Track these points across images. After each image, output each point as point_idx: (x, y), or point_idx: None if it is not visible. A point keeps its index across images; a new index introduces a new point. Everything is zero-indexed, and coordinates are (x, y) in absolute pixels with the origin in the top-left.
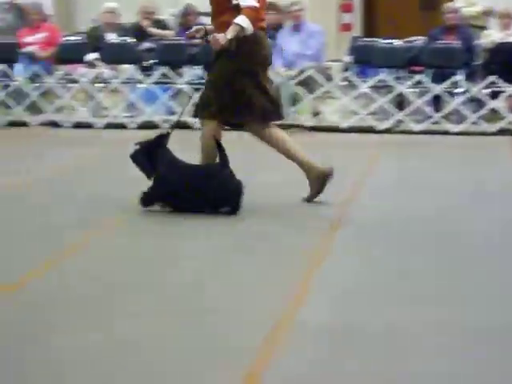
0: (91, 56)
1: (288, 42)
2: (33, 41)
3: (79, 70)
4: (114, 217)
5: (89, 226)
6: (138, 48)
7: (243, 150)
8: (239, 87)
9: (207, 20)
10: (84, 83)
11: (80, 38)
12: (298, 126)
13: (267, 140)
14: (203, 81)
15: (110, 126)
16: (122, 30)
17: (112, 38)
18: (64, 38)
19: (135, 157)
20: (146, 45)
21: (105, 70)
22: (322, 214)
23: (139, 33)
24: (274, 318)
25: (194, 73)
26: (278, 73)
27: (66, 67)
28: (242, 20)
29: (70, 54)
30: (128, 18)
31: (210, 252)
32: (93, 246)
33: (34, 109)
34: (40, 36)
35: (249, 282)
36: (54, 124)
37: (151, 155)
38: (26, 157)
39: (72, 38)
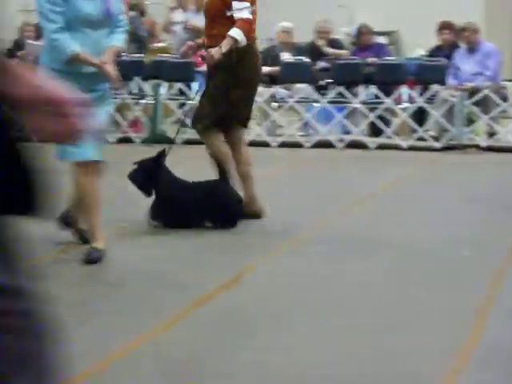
0: (265, 70)
1: (464, 63)
2: None
3: None
4: (287, 240)
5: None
6: (313, 67)
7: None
8: (234, 98)
9: (382, 39)
10: (259, 102)
11: None
12: (473, 146)
13: (240, 147)
14: (379, 100)
15: (284, 144)
16: (297, 49)
17: (287, 57)
18: None
19: (133, 176)
20: (322, 64)
21: (280, 90)
22: (499, 238)
23: (314, 52)
24: (458, 340)
25: (369, 92)
26: (452, 92)
27: None
28: (235, 33)
29: None
30: (301, 37)
31: (378, 271)
32: (270, 265)
33: None
34: None
35: (428, 303)
36: None
37: (150, 174)
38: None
39: None
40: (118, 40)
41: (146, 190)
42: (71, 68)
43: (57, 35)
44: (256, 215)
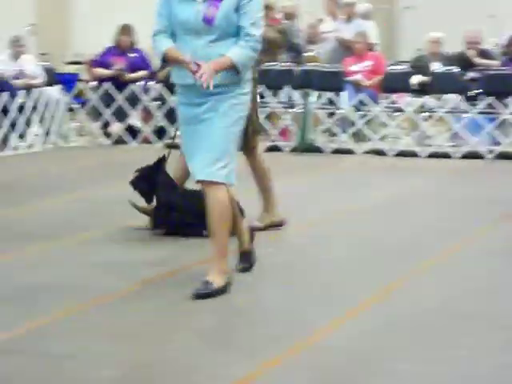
0: (416, 79)
1: None
2: (358, 69)
3: (404, 99)
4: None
5: (428, 253)
6: (463, 78)
7: None
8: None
9: None
10: (409, 112)
11: (404, 66)
12: None
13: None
14: None
15: (433, 155)
16: (446, 59)
17: (437, 67)
18: (389, 67)
19: (135, 183)
20: (471, 74)
21: (429, 99)
22: None
23: (464, 62)
24: None
25: None
26: None
27: (391, 96)
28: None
29: (395, 83)
30: (451, 47)
31: None
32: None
33: (358, 137)
34: (365, 64)
35: None
36: (379, 152)
37: (151, 181)
38: (354, 184)
39: (396, 66)
40: (235, 53)
41: (147, 196)
42: (179, 79)
43: (154, 37)
44: (276, 225)
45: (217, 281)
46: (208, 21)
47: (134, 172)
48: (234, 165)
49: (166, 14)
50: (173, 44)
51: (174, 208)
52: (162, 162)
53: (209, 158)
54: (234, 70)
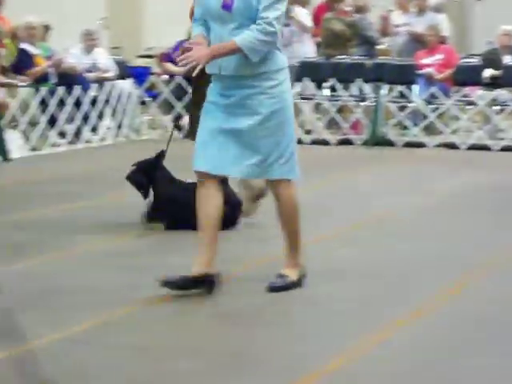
0: (488, 72)
1: None
2: (430, 62)
3: (476, 92)
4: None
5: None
6: None
7: None
8: None
9: None
10: (481, 105)
11: (476, 59)
12: None
13: None
14: None
15: (506, 148)
16: None
17: (509, 60)
18: (460, 60)
19: (131, 178)
20: None
21: (502, 92)
22: None
23: None
24: None
25: None
26: None
27: (463, 89)
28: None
29: (466, 76)
30: None
31: None
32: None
33: (430, 130)
34: (437, 58)
35: None
36: (451, 146)
37: (149, 176)
38: (427, 178)
39: (468, 59)
40: (241, 37)
41: (143, 190)
42: (207, 67)
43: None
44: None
45: (291, 274)
46: (226, 6)
47: (131, 166)
48: (291, 158)
49: (200, 2)
50: (202, 32)
51: (173, 202)
52: (160, 157)
53: (262, 160)
54: (243, 55)
